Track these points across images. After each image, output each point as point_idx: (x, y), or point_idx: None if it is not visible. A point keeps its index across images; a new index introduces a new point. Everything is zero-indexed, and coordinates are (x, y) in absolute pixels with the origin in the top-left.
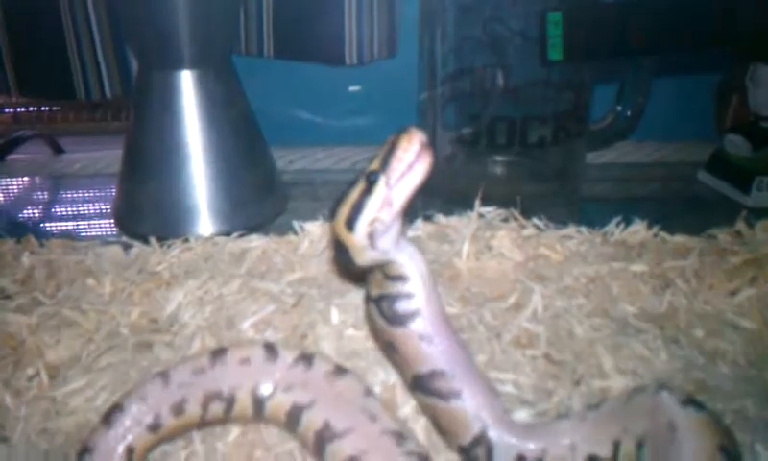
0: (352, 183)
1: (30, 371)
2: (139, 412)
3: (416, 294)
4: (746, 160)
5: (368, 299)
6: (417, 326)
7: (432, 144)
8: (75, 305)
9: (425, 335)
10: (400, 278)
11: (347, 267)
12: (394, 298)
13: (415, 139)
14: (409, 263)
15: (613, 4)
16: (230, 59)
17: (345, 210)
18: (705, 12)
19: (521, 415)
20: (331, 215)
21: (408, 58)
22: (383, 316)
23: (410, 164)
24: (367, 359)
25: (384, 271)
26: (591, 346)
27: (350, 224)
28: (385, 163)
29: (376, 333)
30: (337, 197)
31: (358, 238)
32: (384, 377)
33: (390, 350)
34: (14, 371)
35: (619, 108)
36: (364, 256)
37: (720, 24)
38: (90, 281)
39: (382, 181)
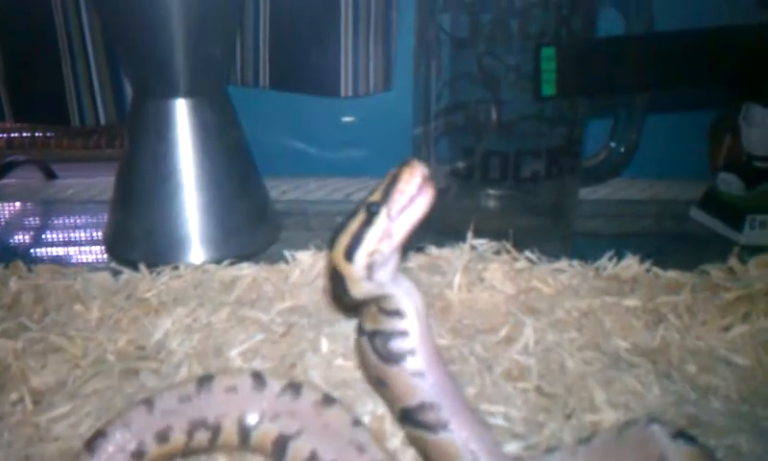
0: (352, 214)
1: (14, 396)
2: (123, 439)
3: (411, 332)
4: (739, 199)
5: (360, 332)
6: (410, 364)
7: (433, 178)
8: (62, 331)
9: (417, 372)
10: (396, 313)
11: (341, 299)
12: (388, 335)
13: (417, 172)
14: (405, 299)
15: (608, 39)
16: (226, 88)
17: (344, 240)
18: (699, 50)
19: (512, 448)
20: (330, 245)
21: (403, 91)
22: (376, 352)
23: (412, 197)
24: (356, 389)
25: (380, 305)
26: (583, 379)
27: (349, 255)
28: (386, 195)
29: (367, 368)
30: (336, 227)
31: (356, 269)
32: (373, 408)
33: (380, 385)
34: None
35: (613, 144)
36: (360, 289)
37: (714, 62)
38: (78, 307)
39: (383, 212)
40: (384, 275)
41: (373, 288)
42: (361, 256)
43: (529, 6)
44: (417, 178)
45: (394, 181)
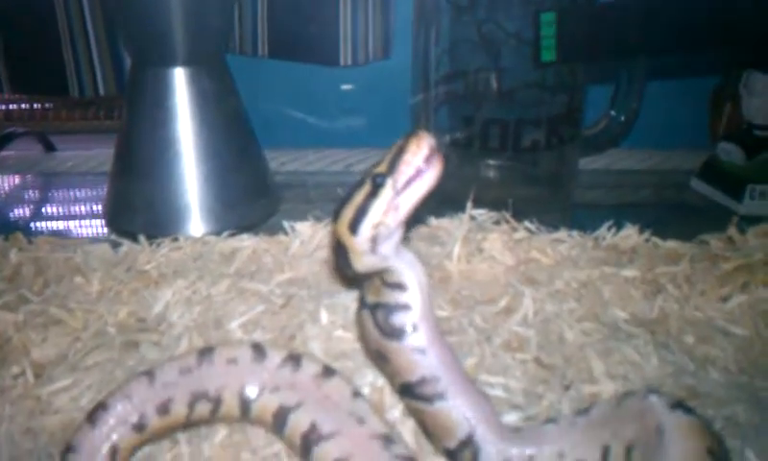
0: (357, 185)
1: (15, 369)
2: (124, 411)
3: (413, 305)
4: (739, 168)
5: (362, 305)
6: (412, 341)
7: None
8: (62, 303)
9: (419, 349)
10: (399, 286)
11: (343, 271)
12: (391, 308)
13: (424, 143)
14: (408, 272)
15: (608, 4)
16: (224, 57)
17: (349, 213)
18: (701, 13)
19: (511, 419)
20: (334, 217)
21: (402, 59)
22: (378, 326)
23: (419, 169)
24: (355, 361)
25: (383, 278)
26: (582, 350)
27: (354, 227)
28: (392, 167)
29: (367, 341)
30: (341, 198)
31: (360, 242)
32: (372, 379)
33: (380, 359)
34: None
35: (613, 112)
36: (363, 262)
37: (717, 25)
38: (78, 279)
39: (389, 184)
40: (388, 247)
41: (377, 261)
42: (365, 229)
43: None
44: (424, 149)
45: (400, 152)
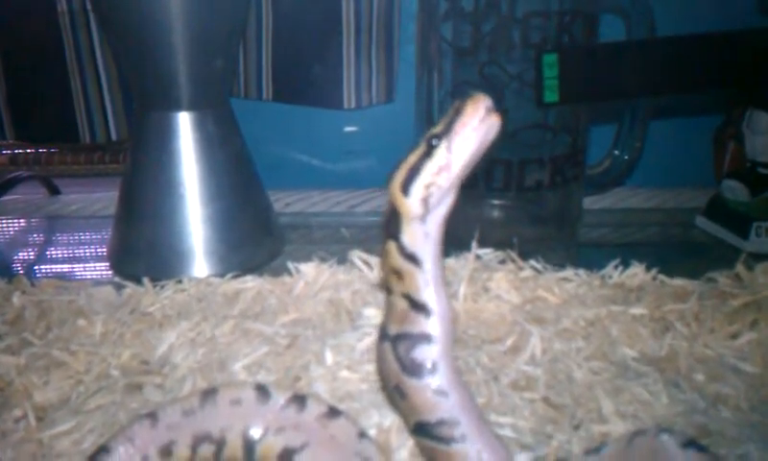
0: (413, 149)
1: (17, 412)
2: (126, 454)
3: (436, 337)
4: (744, 206)
5: (383, 337)
6: (433, 381)
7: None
8: (65, 346)
9: (440, 390)
10: (424, 308)
11: (387, 255)
12: (414, 340)
13: (481, 105)
14: (437, 296)
15: (610, 44)
16: (228, 101)
17: (402, 173)
18: (701, 54)
19: (520, 460)
20: (389, 179)
21: (405, 101)
22: (399, 360)
23: (475, 129)
24: (361, 401)
25: (410, 291)
26: (591, 389)
27: (406, 187)
28: (448, 128)
29: (386, 375)
30: (397, 162)
31: (412, 202)
32: (379, 420)
33: (398, 395)
34: (1, 412)
35: (616, 152)
36: (412, 232)
37: (718, 66)
38: (81, 322)
39: (443, 145)
40: (436, 218)
41: (422, 237)
42: (418, 189)
43: (530, 14)
44: (480, 110)
45: (456, 113)
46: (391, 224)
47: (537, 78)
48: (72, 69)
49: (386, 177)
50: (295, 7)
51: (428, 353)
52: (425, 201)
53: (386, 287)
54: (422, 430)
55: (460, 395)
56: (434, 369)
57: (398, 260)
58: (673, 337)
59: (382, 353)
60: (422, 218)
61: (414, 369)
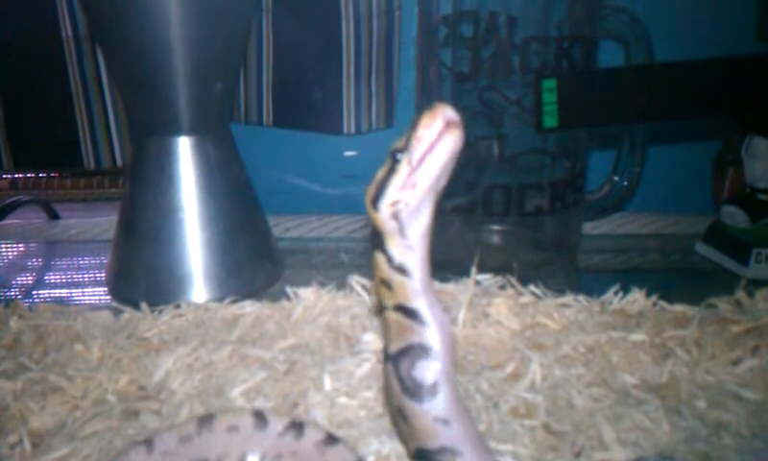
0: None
1: (12, 438)
2: None
3: (434, 351)
4: (744, 232)
5: (385, 358)
6: (434, 405)
7: (462, 121)
8: (62, 371)
9: (441, 416)
10: (417, 316)
11: (378, 264)
12: (413, 355)
13: (438, 116)
14: (430, 311)
15: (609, 70)
16: (228, 125)
17: (372, 188)
18: (700, 80)
19: None
20: (365, 193)
21: (405, 126)
22: (400, 381)
23: (432, 144)
24: (360, 428)
25: (401, 301)
26: (591, 416)
27: (375, 203)
28: (407, 142)
29: (389, 396)
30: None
31: (383, 218)
32: (378, 447)
33: (400, 418)
34: None
35: (616, 177)
36: (395, 245)
37: (716, 92)
38: (78, 347)
39: (404, 159)
40: (415, 232)
41: (406, 247)
42: (385, 205)
43: (529, 40)
44: (437, 122)
45: (414, 127)
46: (376, 236)
47: (536, 103)
48: (77, 95)
49: (364, 191)
50: (295, 33)
51: (429, 372)
52: (396, 216)
53: (379, 306)
54: (423, 457)
55: (462, 422)
56: (435, 390)
57: (387, 271)
58: (674, 364)
59: (386, 375)
60: (401, 232)
61: (415, 390)
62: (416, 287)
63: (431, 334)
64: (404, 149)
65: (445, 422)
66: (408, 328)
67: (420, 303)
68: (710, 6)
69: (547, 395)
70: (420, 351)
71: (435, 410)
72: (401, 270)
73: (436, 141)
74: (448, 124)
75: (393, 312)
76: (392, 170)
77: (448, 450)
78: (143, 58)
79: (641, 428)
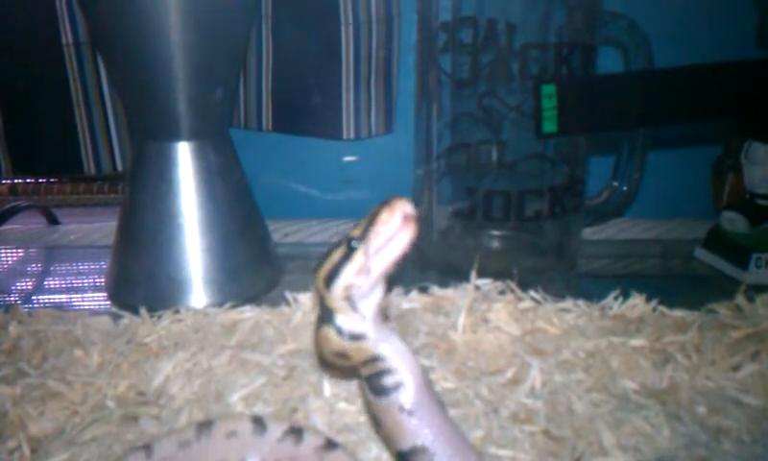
0: (337, 245)
1: (11, 444)
2: None
3: (406, 383)
4: (743, 238)
5: (359, 377)
6: (399, 397)
7: (424, 216)
8: (61, 376)
9: (407, 409)
10: (388, 371)
11: (326, 339)
12: (379, 373)
13: (396, 212)
14: (398, 359)
15: (608, 76)
16: (228, 130)
17: (325, 269)
18: (699, 86)
19: None
20: (315, 270)
21: (405, 132)
22: (371, 390)
23: (389, 238)
24: (359, 434)
25: (371, 368)
26: (591, 422)
27: (328, 284)
28: (365, 234)
29: (367, 407)
30: (322, 254)
31: (335, 298)
32: (377, 453)
33: (375, 423)
34: None
35: (615, 183)
36: (346, 321)
37: (715, 97)
38: (78, 352)
39: (360, 249)
40: (367, 307)
41: (359, 321)
42: (338, 288)
43: (528, 46)
44: (396, 218)
45: (372, 220)
46: (325, 312)
47: (535, 109)
48: (77, 101)
49: (312, 268)
50: (295, 38)
51: (392, 378)
52: (348, 298)
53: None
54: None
55: (431, 419)
56: (399, 386)
57: (339, 343)
58: (674, 369)
59: (361, 390)
60: (352, 307)
61: (381, 389)
62: (371, 343)
63: (396, 363)
64: (361, 238)
65: (410, 413)
66: (373, 365)
67: (380, 349)
68: (709, 12)
69: (547, 400)
70: (388, 372)
71: (400, 400)
72: (354, 337)
73: (393, 236)
74: (406, 219)
75: (360, 368)
76: (347, 257)
77: (419, 449)
78: (143, 63)
79: (641, 434)
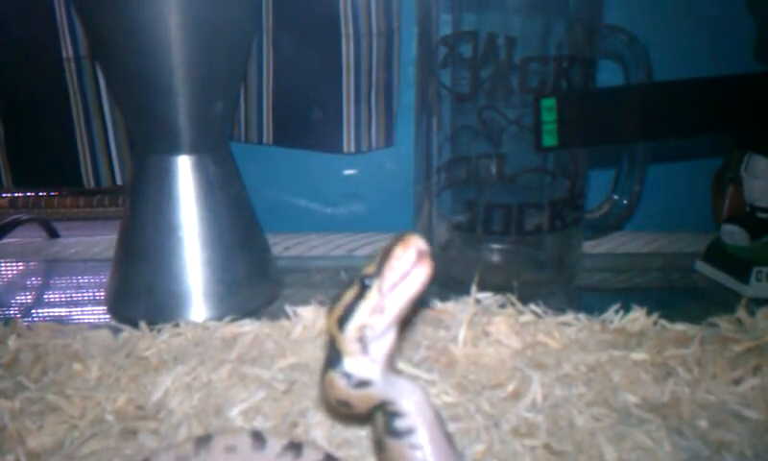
0: (350, 284)
1: (10, 458)
2: None
3: (416, 429)
4: (744, 251)
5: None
6: (410, 439)
7: (431, 252)
8: (60, 390)
9: (418, 447)
10: (398, 414)
11: (333, 385)
12: (391, 415)
13: (411, 248)
14: (406, 401)
15: (608, 89)
16: (228, 144)
17: (338, 310)
18: (699, 99)
19: None
20: (329, 311)
21: (405, 146)
22: (383, 427)
23: (404, 274)
24: (359, 448)
25: (382, 409)
26: (593, 436)
27: (341, 325)
28: (379, 270)
29: (374, 433)
30: (336, 294)
31: (348, 340)
32: None
33: (379, 450)
34: None
35: (615, 196)
36: (356, 365)
37: (715, 110)
38: (77, 366)
39: (375, 286)
40: (378, 351)
41: (368, 365)
42: (351, 329)
43: (528, 60)
44: (410, 254)
45: (386, 256)
46: (334, 354)
47: (535, 122)
48: (77, 114)
49: (327, 310)
50: (295, 52)
51: (404, 422)
52: (362, 339)
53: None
54: None
55: (441, 453)
56: (412, 431)
57: (345, 391)
58: (675, 383)
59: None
60: (363, 351)
61: (394, 433)
62: (378, 390)
63: (406, 404)
64: (374, 275)
65: (421, 449)
66: (383, 408)
67: (389, 394)
68: (708, 26)
69: (548, 414)
70: (398, 415)
71: (411, 441)
72: (362, 384)
73: (408, 272)
74: (420, 255)
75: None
76: (360, 296)
77: None
78: (143, 77)
79: (643, 448)
